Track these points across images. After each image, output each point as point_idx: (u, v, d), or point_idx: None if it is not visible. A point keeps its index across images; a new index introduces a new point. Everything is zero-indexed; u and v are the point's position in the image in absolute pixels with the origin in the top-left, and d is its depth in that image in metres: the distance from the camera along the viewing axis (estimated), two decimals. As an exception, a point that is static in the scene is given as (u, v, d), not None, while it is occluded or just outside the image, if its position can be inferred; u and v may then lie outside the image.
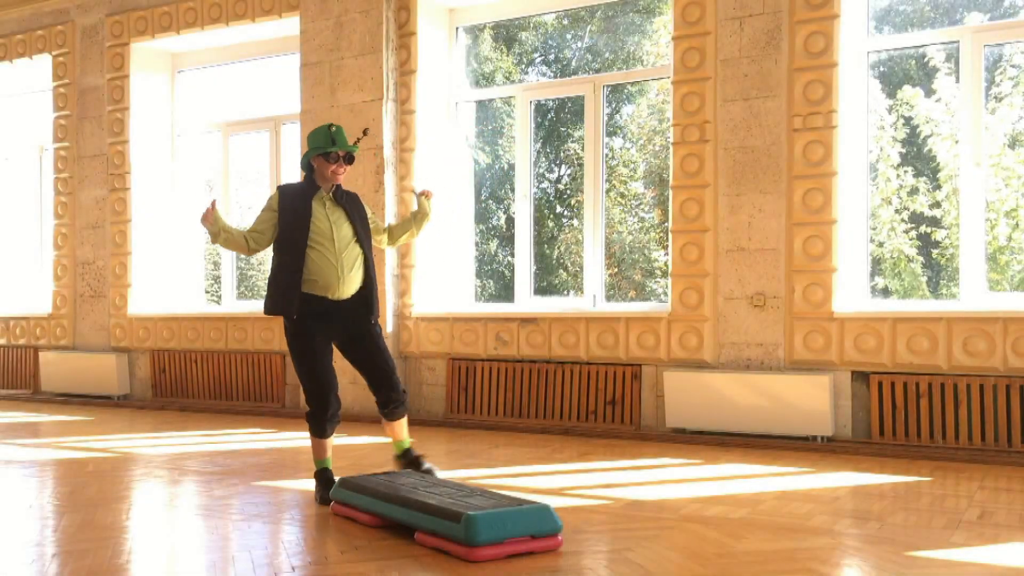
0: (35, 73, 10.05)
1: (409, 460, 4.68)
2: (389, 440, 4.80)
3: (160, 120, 9.30)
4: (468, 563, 3.31)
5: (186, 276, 9.42)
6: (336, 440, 6.51)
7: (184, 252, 9.42)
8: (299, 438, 6.69)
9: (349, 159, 4.51)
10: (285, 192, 4.54)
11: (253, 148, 9.71)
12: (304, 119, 7.98)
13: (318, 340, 4.42)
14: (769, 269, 6.30)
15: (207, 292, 9.96)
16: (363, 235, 4.55)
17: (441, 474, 4.73)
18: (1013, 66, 6.86)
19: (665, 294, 8.04)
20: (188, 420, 7.81)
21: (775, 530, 3.80)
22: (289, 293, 4.37)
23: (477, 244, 8.16)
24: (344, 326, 4.52)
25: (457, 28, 7.94)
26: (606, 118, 7.55)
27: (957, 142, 6.55)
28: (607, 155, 7.82)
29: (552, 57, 9.93)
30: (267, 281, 4.54)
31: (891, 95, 7.29)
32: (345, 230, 4.48)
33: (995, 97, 6.71)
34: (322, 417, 4.42)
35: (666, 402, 6.46)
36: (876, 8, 6.66)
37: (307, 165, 4.54)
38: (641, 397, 6.72)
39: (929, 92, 7.14)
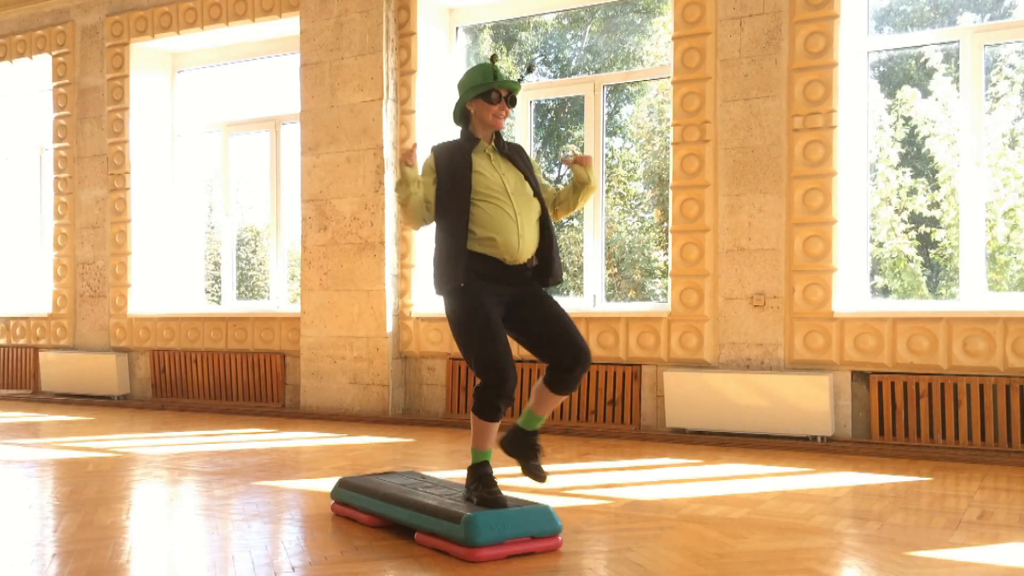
0: (35, 73, 10.05)
1: (528, 444, 3.83)
2: (528, 409, 3.86)
3: (160, 120, 9.30)
4: (468, 563, 3.31)
5: (186, 276, 9.42)
6: (336, 440, 6.53)
7: (184, 252, 9.42)
8: (299, 438, 6.69)
9: (512, 100, 3.82)
10: (440, 151, 3.85)
11: (253, 148, 9.72)
12: (304, 119, 7.98)
13: (489, 305, 3.65)
14: (769, 269, 6.30)
15: (207, 292, 9.97)
16: (537, 187, 3.82)
17: (441, 474, 4.71)
18: (1010, 66, 6.86)
19: (665, 294, 8.04)
20: (188, 420, 7.81)
21: (775, 530, 3.80)
22: (453, 260, 3.66)
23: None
24: (515, 291, 3.74)
25: (457, 28, 7.95)
26: (606, 118, 7.55)
27: (955, 142, 6.56)
28: (607, 155, 7.82)
29: (552, 57, 9.93)
30: (434, 252, 3.82)
31: (891, 95, 7.29)
32: (516, 180, 3.76)
33: (992, 97, 6.72)
34: (498, 391, 3.56)
35: (666, 402, 6.46)
36: (876, 8, 6.66)
37: (462, 115, 3.85)
38: (641, 397, 6.72)
39: (928, 92, 7.14)
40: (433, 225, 3.86)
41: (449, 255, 3.68)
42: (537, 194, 3.78)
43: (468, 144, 3.80)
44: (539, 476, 3.80)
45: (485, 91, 3.75)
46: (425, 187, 3.78)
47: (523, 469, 3.85)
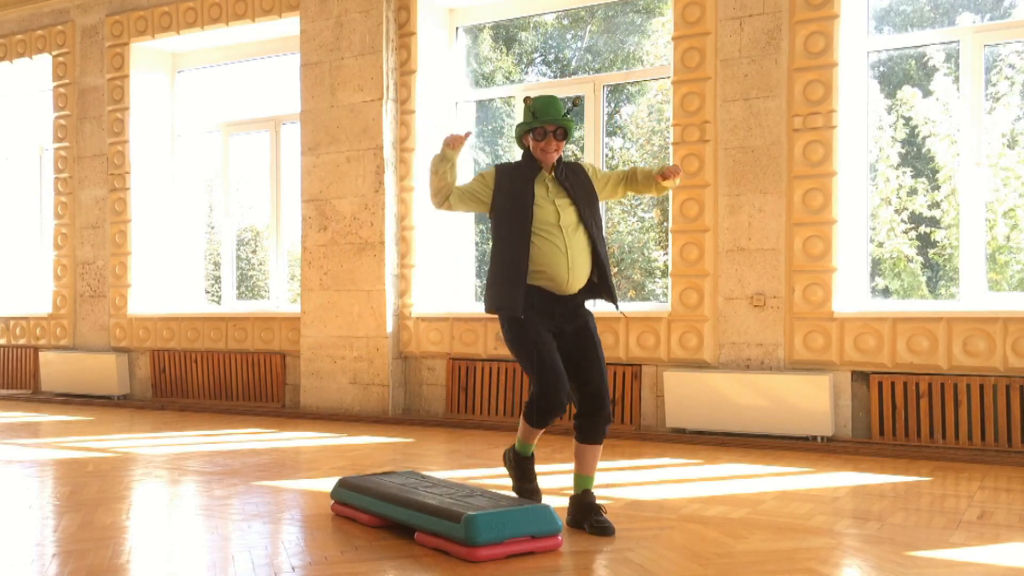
0: (35, 73, 10.05)
1: (584, 505, 3.87)
2: (572, 471, 4.04)
3: (160, 120, 9.30)
4: (468, 563, 3.31)
5: (186, 276, 9.42)
6: (336, 440, 6.53)
7: (184, 252, 9.42)
8: (299, 438, 6.69)
9: (561, 134, 3.92)
10: (503, 170, 4.01)
11: (253, 148, 9.72)
12: (304, 119, 7.98)
13: (541, 330, 3.85)
14: (769, 269, 6.30)
15: (207, 292, 9.97)
16: (590, 218, 3.92)
17: (441, 474, 4.71)
18: (1010, 66, 6.86)
19: (665, 294, 8.04)
20: (188, 420, 7.81)
21: (775, 530, 3.80)
22: (513, 288, 3.83)
23: (477, 244, 8.16)
24: (563, 320, 3.92)
25: (457, 28, 7.94)
26: (606, 118, 7.55)
27: (955, 142, 6.55)
28: (607, 155, 7.82)
29: (552, 57, 9.93)
30: (487, 276, 4.00)
31: (891, 95, 7.29)
32: (572, 216, 3.89)
33: (992, 97, 6.72)
34: (552, 405, 3.78)
35: (666, 402, 6.46)
36: (876, 8, 6.66)
37: (521, 143, 4.03)
38: (641, 397, 6.72)
39: (928, 92, 7.14)
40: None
41: (508, 281, 3.85)
42: (587, 226, 3.90)
43: (530, 171, 3.94)
44: (607, 531, 3.78)
45: (530, 128, 3.91)
46: (471, 189, 3.98)
47: (589, 530, 3.81)
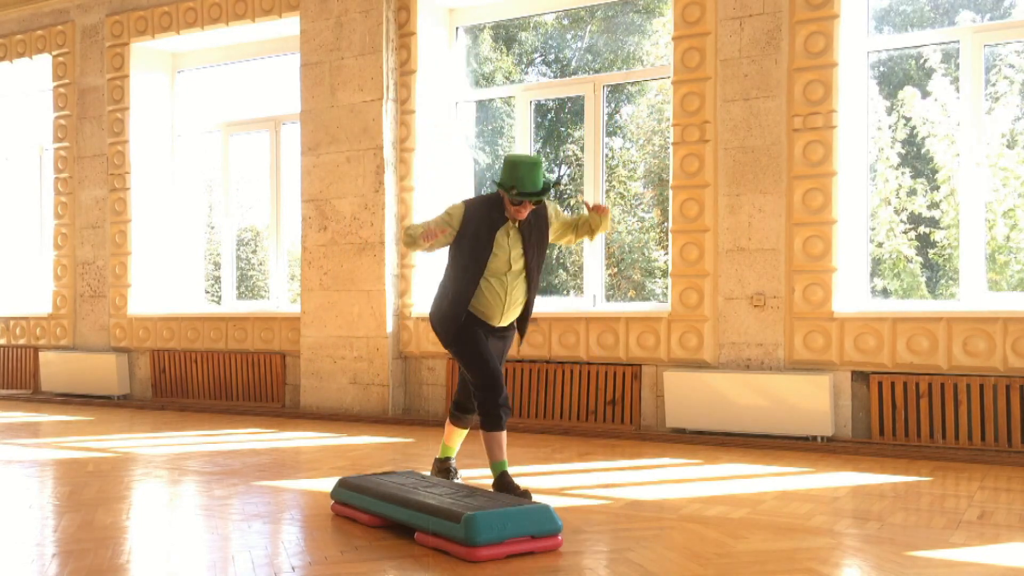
0: (35, 73, 10.05)
1: (505, 484, 4.29)
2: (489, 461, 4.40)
3: (160, 120, 9.30)
4: (468, 563, 3.31)
5: (186, 276, 9.42)
6: (336, 440, 6.53)
7: (184, 252, 9.42)
8: (299, 438, 6.69)
9: (535, 203, 4.27)
10: (472, 209, 4.34)
11: (253, 148, 9.72)
12: (304, 119, 7.98)
13: (480, 333, 4.36)
14: (769, 269, 6.30)
15: (207, 292, 9.97)
16: (535, 263, 4.38)
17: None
18: (1010, 66, 6.86)
19: (665, 294, 8.05)
20: (188, 420, 7.81)
21: (775, 530, 3.80)
22: (455, 320, 4.34)
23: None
24: (494, 338, 4.47)
25: (457, 28, 7.95)
26: (606, 118, 7.55)
27: (954, 142, 6.55)
28: (607, 155, 7.82)
29: (552, 57, 9.93)
30: (438, 291, 4.50)
31: (890, 95, 7.29)
32: (519, 264, 4.33)
33: (992, 97, 6.72)
34: (496, 401, 4.25)
35: (666, 402, 6.46)
36: (876, 8, 6.66)
37: (498, 188, 4.33)
38: (641, 397, 6.72)
39: (928, 93, 7.14)
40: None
41: (453, 315, 4.33)
42: (529, 273, 4.35)
43: (498, 220, 4.28)
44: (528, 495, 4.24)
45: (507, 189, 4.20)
46: (438, 226, 4.32)
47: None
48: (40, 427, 7.46)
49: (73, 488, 4.81)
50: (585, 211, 4.54)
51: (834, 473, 5.14)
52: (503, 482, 4.28)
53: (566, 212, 4.95)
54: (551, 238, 4.50)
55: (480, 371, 4.31)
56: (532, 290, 4.41)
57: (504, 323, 4.41)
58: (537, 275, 4.42)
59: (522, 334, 4.55)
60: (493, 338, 4.44)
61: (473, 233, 4.27)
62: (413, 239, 4.32)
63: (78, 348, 9.43)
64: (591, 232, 4.51)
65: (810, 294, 6.16)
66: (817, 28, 6.15)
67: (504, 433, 4.34)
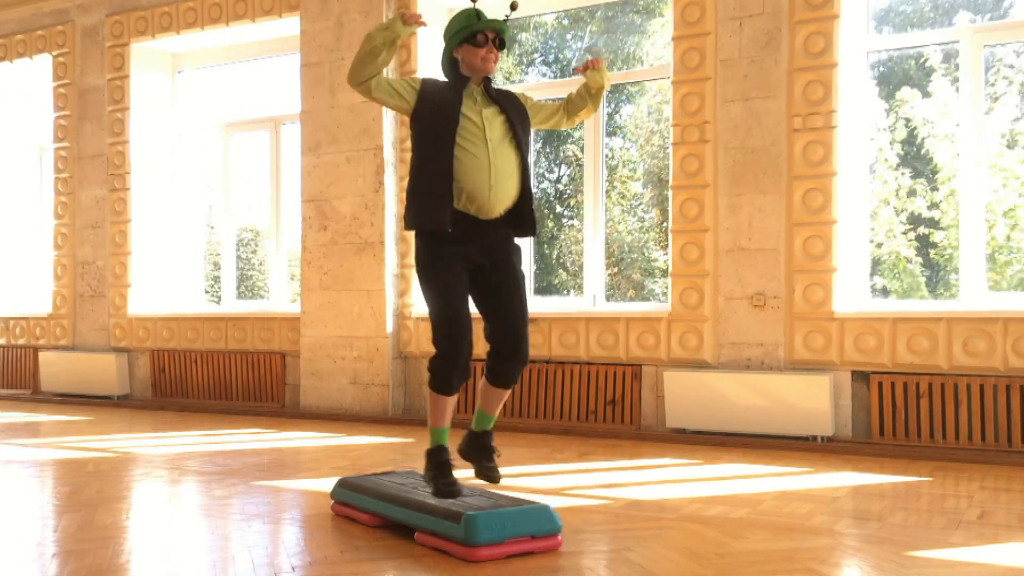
0: (35, 73, 10.05)
1: (480, 446, 3.81)
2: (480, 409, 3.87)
3: (160, 120, 9.30)
4: (468, 563, 3.31)
5: (186, 276, 9.42)
6: (336, 440, 6.53)
7: (184, 252, 9.42)
8: (299, 438, 6.69)
9: (500, 43, 3.71)
10: (430, 82, 3.79)
11: (253, 148, 9.72)
12: (304, 119, 7.98)
13: (455, 270, 3.61)
14: (769, 269, 6.30)
15: (207, 292, 9.97)
16: (523, 137, 3.70)
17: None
18: (1009, 66, 6.87)
19: (665, 294, 8.05)
20: (188, 420, 7.81)
21: (775, 530, 3.80)
22: (439, 202, 3.55)
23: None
24: (484, 252, 3.66)
25: (457, 28, 7.93)
26: (606, 118, 7.55)
27: (954, 142, 6.55)
28: (607, 155, 7.82)
29: (552, 57, 9.93)
30: (406, 191, 3.72)
31: (890, 96, 7.30)
32: (499, 129, 3.65)
33: (991, 97, 6.72)
34: (451, 364, 3.61)
35: (666, 402, 6.46)
36: (876, 8, 6.66)
37: (450, 63, 3.80)
38: (641, 397, 6.73)
39: (927, 93, 7.15)
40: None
41: (431, 195, 3.58)
42: (519, 144, 3.66)
43: (459, 84, 3.70)
44: (493, 478, 3.77)
45: (471, 34, 3.66)
46: (397, 83, 3.74)
47: (476, 472, 3.84)
48: (40, 427, 7.46)
49: (73, 488, 4.81)
50: (574, 92, 3.91)
51: (834, 473, 5.14)
52: (437, 460, 3.71)
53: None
54: (535, 122, 3.87)
55: (440, 316, 3.60)
56: (525, 171, 3.70)
57: (496, 206, 3.60)
58: (527, 157, 3.73)
59: (534, 226, 3.73)
60: (483, 253, 3.64)
61: (432, 99, 3.69)
62: (371, 39, 3.67)
63: (78, 348, 9.43)
64: (590, 96, 3.84)
65: (810, 294, 6.16)
66: (817, 28, 6.15)
67: (454, 398, 3.73)
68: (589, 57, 3.95)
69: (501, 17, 3.74)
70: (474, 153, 3.57)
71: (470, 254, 3.64)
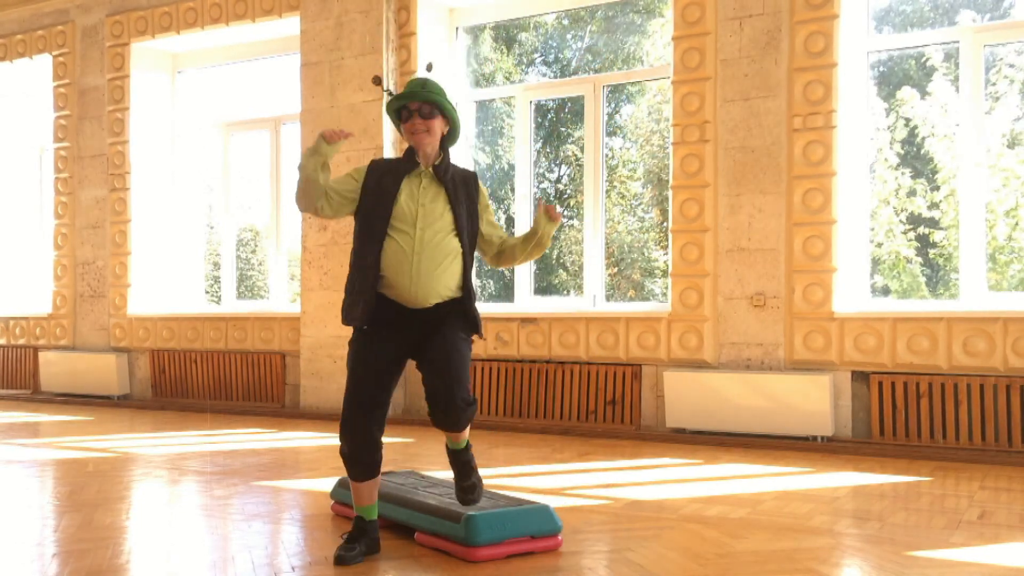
0: (35, 73, 10.05)
1: (460, 463, 3.55)
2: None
3: (160, 120, 9.30)
4: (468, 563, 3.31)
5: (186, 276, 9.42)
6: (336, 440, 6.51)
7: (184, 252, 9.41)
8: (299, 438, 6.69)
9: (426, 111, 3.39)
10: (376, 165, 3.50)
11: (253, 148, 9.72)
12: (304, 119, 7.98)
13: (375, 347, 3.36)
14: (769, 269, 6.30)
15: (207, 292, 9.97)
16: (467, 227, 3.40)
17: (441, 474, 4.71)
18: (1010, 66, 6.86)
19: (665, 294, 8.05)
20: (188, 420, 7.81)
21: (775, 530, 3.80)
22: (359, 297, 3.35)
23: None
24: (423, 336, 3.38)
25: (457, 28, 7.94)
26: (606, 118, 7.55)
27: (954, 142, 6.55)
28: (607, 155, 7.82)
29: (552, 57, 9.93)
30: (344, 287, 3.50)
31: (890, 96, 7.29)
32: (438, 214, 3.36)
33: (992, 97, 6.72)
34: (352, 461, 3.41)
35: (666, 402, 6.46)
36: (876, 8, 6.66)
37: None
38: (641, 397, 6.72)
39: (927, 93, 7.14)
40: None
41: (353, 290, 3.39)
42: (460, 234, 3.37)
43: (407, 166, 3.43)
44: (466, 500, 3.50)
45: (396, 115, 3.46)
46: (340, 188, 3.46)
47: (456, 493, 3.57)
48: (40, 427, 7.46)
49: (73, 488, 4.81)
50: (532, 226, 3.58)
51: (834, 473, 5.14)
52: (358, 525, 3.43)
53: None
54: (480, 226, 3.52)
55: (344, 409, 3.36)
56: (467, 261, 3.39)
57: (421, 297, 3.30)
58: (471, 248, 3.44)
59: (476, 327, 3.44)
60: (420, 338, 3.36)
61: (376, 187, 3.40)
62: (303, 165, 3.42)
63: (78, 348, 9.43)
64: (529, 245, 3.50)
65: (810, 294, 6.16)
66: (817, 28, 6.15)
67: (372, 481, 3.45)
68: (556, 205, 3.66)
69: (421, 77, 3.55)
70: (399, 242, 3.31)
71: (403, 339, 3.39)
